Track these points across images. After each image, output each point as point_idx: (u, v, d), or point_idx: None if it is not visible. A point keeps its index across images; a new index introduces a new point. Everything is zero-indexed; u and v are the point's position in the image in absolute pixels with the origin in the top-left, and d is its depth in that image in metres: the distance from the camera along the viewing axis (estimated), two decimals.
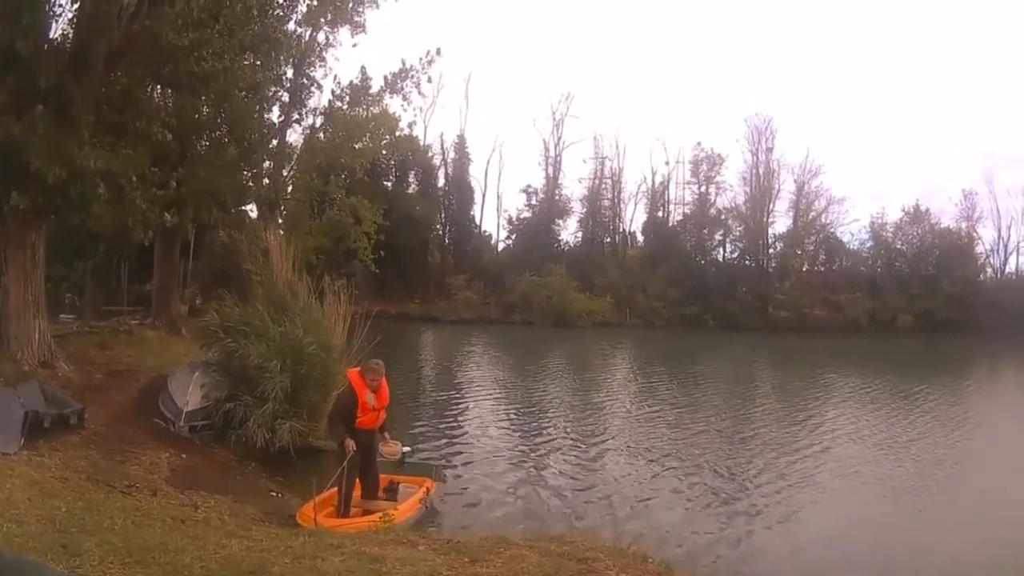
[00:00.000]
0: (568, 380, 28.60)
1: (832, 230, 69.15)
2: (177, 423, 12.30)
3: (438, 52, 34.67)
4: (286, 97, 28.75)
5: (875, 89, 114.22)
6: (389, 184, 63.30)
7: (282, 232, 22.97)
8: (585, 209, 72.70)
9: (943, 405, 22.98)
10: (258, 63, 20.13)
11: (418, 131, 61.03)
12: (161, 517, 7.52)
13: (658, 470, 14.17)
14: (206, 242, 30.67)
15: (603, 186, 73.53)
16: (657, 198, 74.09)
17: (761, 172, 69.65)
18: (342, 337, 14.43)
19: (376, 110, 34.22)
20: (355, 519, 9.16)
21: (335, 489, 9.59)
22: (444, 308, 59.93)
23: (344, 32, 31.34)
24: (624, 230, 75.12)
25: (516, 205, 75.43)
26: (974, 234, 68.06)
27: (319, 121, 33.27)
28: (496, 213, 75.42)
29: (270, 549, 6.41)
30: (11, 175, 12.23)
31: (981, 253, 68.39)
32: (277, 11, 22.35)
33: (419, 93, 35.53)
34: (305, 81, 30.25)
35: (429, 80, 36.38)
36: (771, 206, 69.02)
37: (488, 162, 74.16)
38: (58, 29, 14.12)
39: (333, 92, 33.12)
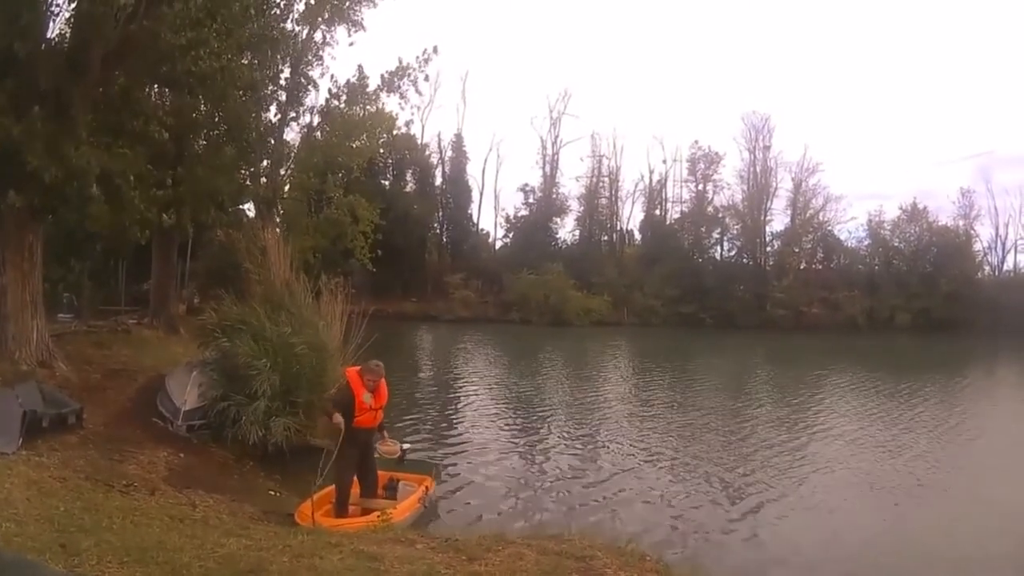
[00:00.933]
0: (565, 379, 28.61)
1: (830, 228, 69.38)
2: (175, 422, 12.28)
3: (435, 51, 34.72)
4: (283, 96, 28.71)
5: (873, 87, 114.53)
6: (386, 183, 63.38)
7: (279, 231, 22.99)
8: (582, 208, 72.87)
9: (939, 404, 23.02)
10: (256, 62, 20.09)
11: (415, 130, 61.13)
12: (159, 516, 7.53)
13: (656, 468, 14.19)
14: (204, 241, 30.70)
15: (601, 184, 73.72)
16: (655, 196, 74.26)
17: (759, 170, 69.79)
18: (339, 336, 14.44)
19: (373, 109, 34.24)
20: (353, 518, 9.18)
21: (333, 487, 9.61)
22: (441, 307, 59.99)
23: (341, 31, 31.38)
24: (622, 228, 75.46)
25: (513, 204, 75.72)
26: (972, 232, 68.36)
27: (316, 120, 33.31)
28: (493, 212, 75.69)
29: (268, 548, 6.42)
30: (9, 175, 12.22)
31: (979, 251, 68.74)
32: (275, 10, 22.35)
33: (416, 92, 35.61)
34: (302, 80, 30.22)
35: (426, 79, 36.44)
36: (769, 204, 69.21)
37: (485, 161, 74.42)
38: (55, 29, 14.11)
39: (330, 91, 33.21)
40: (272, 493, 10.79)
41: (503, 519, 10.41)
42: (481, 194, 73.05)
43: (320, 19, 30.39)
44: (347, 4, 30.68)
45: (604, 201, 73.96)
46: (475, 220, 73.46)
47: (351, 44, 31.93)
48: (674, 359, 36.45)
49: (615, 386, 26.68)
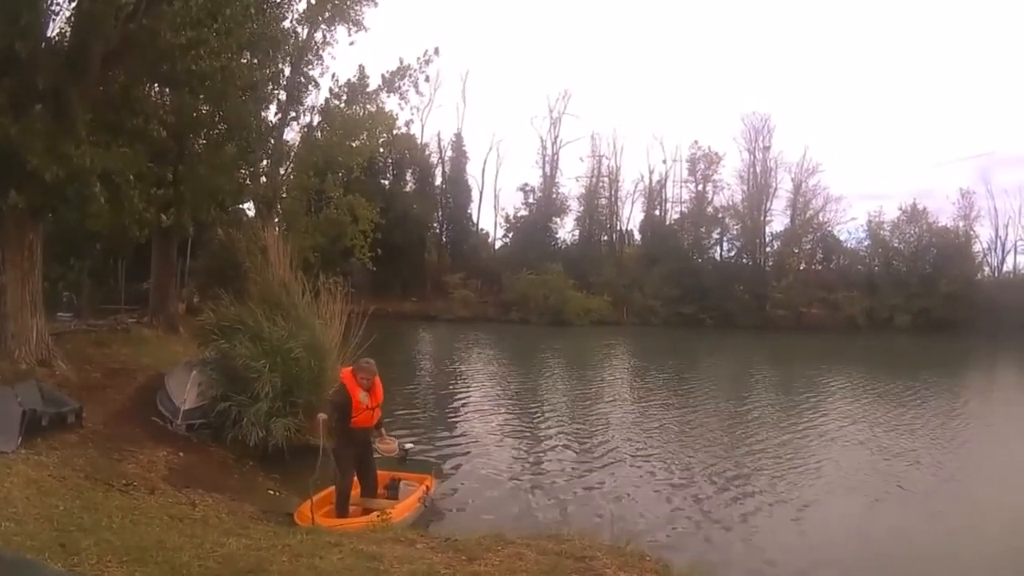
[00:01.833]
0: (565, 379, 28.64)
1: (829, 229, 69.56)
2: (174, 422, 12.28)
3: (436, 51, 34.74)
4: (283, 95, 28.71)
5: (873, 88, 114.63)
6: (386, 183, 63.37)
7: (279, 230, 22.98)
8: (582, 207, 72.91)
9: (939, 405, 23.02)
10: (256, 62, 20.07)
11: (415, 129, 61.22)
12: (159, 515, 7.53)
13: (656, 468, 14.20)
14: (204, 241, 30.63)
15: (600, 184, 73.76)
16: (654, 196, 74.31)
17: (758, 170, 69.86)
18: (338, 336, 14.43)
19: (373, 108, 34.21)
20: (353, 518, 9.17)
21: (333, 487, 9.61)
22: (441, 306, 60.01)
23: (342, 30, 31.36)
24: (621, 229, 75.55)
25: (513, 203, 75.73)
26: (971, 233, 68.47)
27: (316, 119, 33.26)
28: (493, 211, 75.67)
29: (268, 547, 6.42)
30: (9, 174, 12.22)
31: (978, 252, 68.84)
32: (275, 10, 22.33)
33: (416, 92, 35.64)
34: (303, 79, 30.21)
35: (427, 79, 36.49)
36: (768, 205, 69.31)
37: (485, 160, 74.52)
38: (55, 28, 14.10)
39: (331, 90, 33.18)
40: (272, 493, 10.79)
41: (503, 519, 10.39)
42: (481, 194, 73.25)
43: (321, 18, 30.38)
44: (348, 3, 30.66)
45: (604, 201, 74.04)
46: (475, 220, 73.66)
47: (351, 44, 31.96)
48: (673, 359, 36.44)
49: (615, 386, 26.69)
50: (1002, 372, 38.76)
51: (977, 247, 68.66)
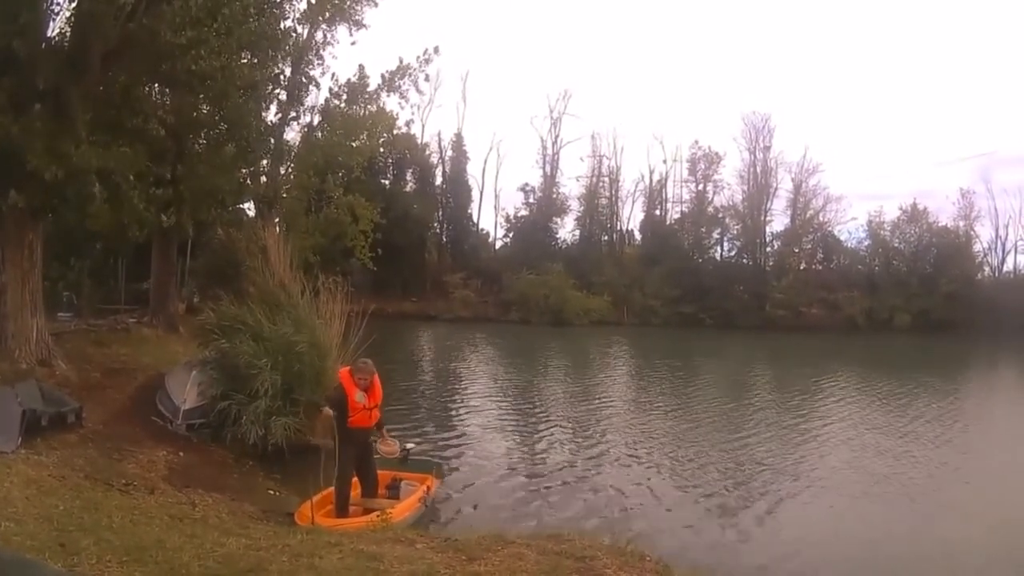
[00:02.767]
0: (565, 378, 28.64)
1: (830, 229, 69.43)
2: (175, 421, 12.29)
3: (436, 51, 34.82)
4: (284, 95, 28.70)
5: (873, 88, 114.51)
6: (386, 182, 63.31)
7: (279, 230, 22.98)
8: (583, 207, 72.77)
9: (938, 405, 23.03)
10: (256, 61, 20.07)
11: (415, 129, 61.14)
12: (159, 515, 7.52)
13: (656, 468, 14.21)
14: (204, 240, 30.64)
15: (601, 184, 73.62)
16: (655, 196, 74.22)
17: (759, 170, 69.78)
18: (338, 335, 14.43)
19: (374, 108, 34.25)
20: (353, 518, 9.17)
21: (333, 488, 9.60)
22: (441, 306, 59.94)
23: (342, 30, 31.39)
24: (622, 228, 75.40)
25: (514, 203, 75.61)
26: (972, 233, 68.29)
27: (317, 119, 33.30)
28: (494, 211, 75.54)
29: (268, 547, 6.41)
30: (9, 174, 12.21)
31: (979, 252, 68.66)
32: (275, 9, 22.32)
33: (417, 91, 35.71)
34: (303, 79, 30.21)
35: (427, 79, 36.61)
36: (769, 204, 69.23)
37: (486, 160, 74.33)
38: (55, 28, 14.10)
39: (331, 90, 33.22)
40: (272, 492, 10.79)
41: (503, 519, 10.39)
42: (481, 194, 73.11)
43: (321, 18, 30.41)
44: (348, 3, 30.70)
45: (604, 201, 73.90)
46: (475, 220, 73.51)
47: (353, 43, 31.99)
48: (674, 359, 36.46)
49: (615, 386, 26.71)
50: (1002, 372, 38.75)
51: (977, 247, 68.68)
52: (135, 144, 14.42)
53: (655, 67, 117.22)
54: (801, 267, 68.46)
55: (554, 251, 67.47)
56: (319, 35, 30.85)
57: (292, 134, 32.59)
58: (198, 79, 15.46)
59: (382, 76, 34.14)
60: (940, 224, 66.76)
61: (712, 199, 71.66)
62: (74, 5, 13.45)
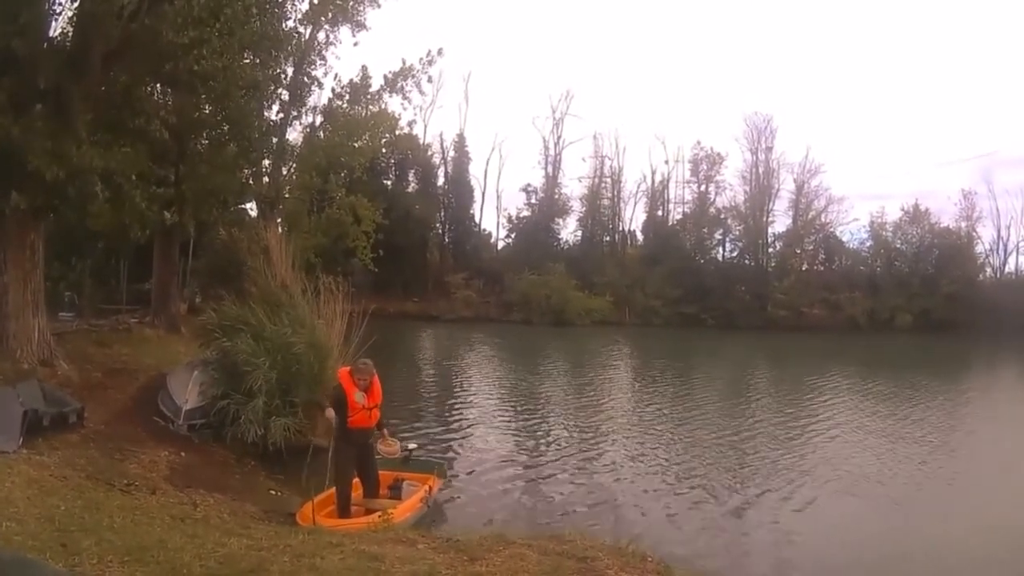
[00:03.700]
0: (567, 379, 28.62)
1: (831, 229, 69.31)
2: (176, 421, 12.30)
3: (439, 52, 34.84)
4: (286, 95, 28.73)
5: (875, 88, 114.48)
6: (388, 183, 63.30)
7: (281, 230, 23.00)
8: (584, 208, 72.78)
9: (940, 406, 23.02)
10: (258, 62, 20.09)
11: (418, 130, 61.08)
12: (160, 515, 7.52)
13: (657, 469, 14.20)
14: (206, 240, 30.68)
15: (603, 185, 73.58)
16: (656, 197, 74.18)
17: (761, 171, 69.74)
18: (339, 335, 14.43)
19: (376, 109, 34.27)
20: (355, 518, 9.17)
21: (334, 489, 9.60)
22: (443, 307, 59.91)
23: (345, 31, 31.42)
24: (623, 229, 75.34)
25: (515, 204, 75.45)
26: (973, 234, 68.21)
27: (319, 119, 33.34)
28: (495, 212, 75.44)
29: (269, 548, 6.41)
30: (10, 175, 12.22)
31: (980, 253, 68.62)
32: (277, 10, 22.34)
33: (419, 92, 35.67)
34: (305, 79, 30.24)
35: (429, 80, 36.54)
36: (770, 205, 69.17)
37: (488, 161, 74.24)
38: (57, 28, 14.12)
39: (333, 90, 33.24)
40: (273, 493, 10.79)
41: (504, 519, 10.40)
42: (483, 194, 73.04)
43: (323, 19, 30.45)
44: (350, 4, 30.73)
45: (606, 202, 73.85)
46: (477, 220, 73.46)
47: (355, 44, 32.04)
48: (675, 360, 36.46)
49: (616, 387, 26.70)
50: (1003, 373, 38.70)
51: (979, 248, 68.60)
52: (137, 144, 14.44)
53: (657, 68, 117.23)
54: (803, 268, 68.40)
55: (556, 251, 67.42)
56: (321, 35, 30.93)
57: (294, 134, 32.71)
58: (200, 79, 15.48)
59: (385, 77, 34.17)
60: (942, 225, 66.77)
61: (714, 200, 71.72)
62: (75, 5, 13.48)
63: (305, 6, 28.92)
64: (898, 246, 66.93)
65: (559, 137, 72.60)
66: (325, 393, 10.61)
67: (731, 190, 71.13)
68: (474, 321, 56.37)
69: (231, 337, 13.18)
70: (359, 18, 31.30)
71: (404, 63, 34.26)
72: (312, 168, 31.58)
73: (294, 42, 26.95)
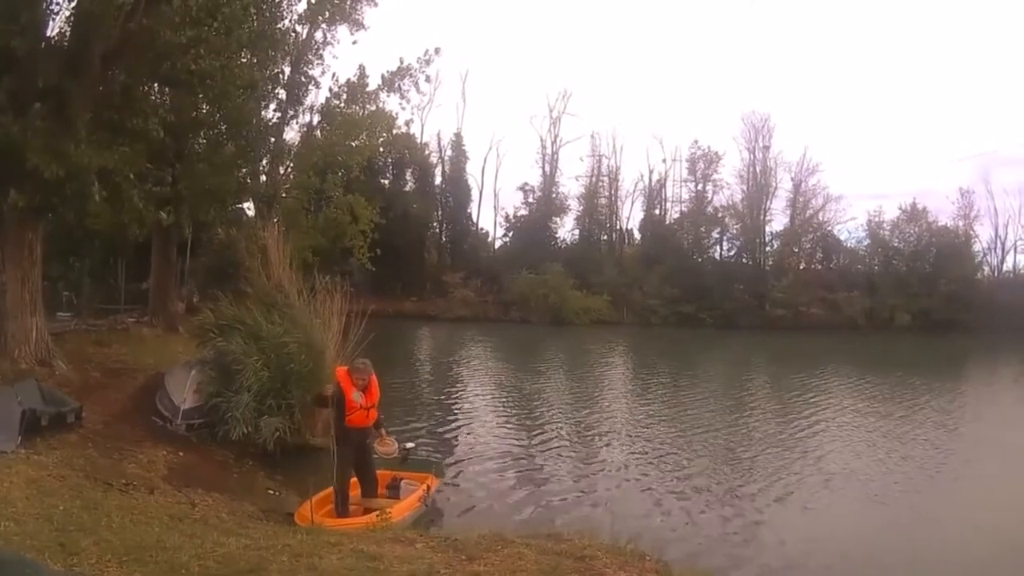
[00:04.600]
0: (565, 378, 28.63)
1: (829, 228, 69.22)
2: (174, 421, 12.31)
3: (437, 52, 34.87)
4: (283, 95, 28.74)
5: (873, 87, 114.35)
6: (386, 182, 63.28)
7: (279, 230, 22.98)
8: (582, 207, 72.70)
9: (938, 405, 23.02)
10: (255, 61, 20.08)
11: (415, 129, 61.10)
12: (159, 515, 7.53)
13: (655, 468, 14.20)
14: (204, 240, 30.69)
15: (600, 184, 73.52)
16: (654, 196, 74.10)
17: (758, 170, 69.63)
18: (337, 335, 14.42)
19: (373, 108, 34.27)
20: (353, 518, 9.17)
21: (332, 487, 9.60)
22: (441, 306, 59.91)
23: (343, 30, 31.41)
24: (621, 228, 75.24)
25: (513, 203, 75.44)
26: (971, 233, 68.11)
27: (316, 119, 33.32)
28: (493, 211, 75.28)
29: (268, 547, 6.42)
30: (9, 174, 12.22)
31: (978, 252, 68.49)
32: (275, 9, 22.35)
33: (417, 91, 35.72)
34: (303, 79, 30.24)
35: (427, 79, 36.58)
36: (768, 204, 69.03)
37: (485, 160, 74.14)
38: (55, 27, 14.11)
39: (331, 90, 33.25)
40: (271, 492, 10.80)
41: (503, 518, 10.38)
42: (480, 193, 72.93)
43: (321, 18, 30.43)
44: (348, 3, 30.71)
45: (604, 200, 73.81)
46: (474, 219, 73.32)
47: (354, 43, 32.03)
48: (673, 359, 36.47)
49: (614, 386, 26.73)
50: (1002, 372, 38.72)
51: (977, 247, 68.48)
52: (135, 143, 14.42)
53: (654, 67, 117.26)
54: (801, 267, 68.38)
55: (553, 251, 67.34)
56: (319, 35, 30.92)
57: (292, 134, 32.66)
58: (198, 79, 15.46)
59: (382, 76, 34.23)
60: (940, 224, 66.66)
61: (711, 199, 71.61)
62: (74, 4, 13.47)
63: (303, 5, 28.95)
64: (896, 245, 66.83)
65: (556, 136, 72.55)
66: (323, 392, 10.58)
67: (728, 189, 71.13)
68: (472, 320, 56.38)
69: (227, 337, 13.19)
70: (357, 17, 31.28)
71: (402, 62, 34.33)
72: (310, 167, 31.57)
73: (291, 41, 26.98)
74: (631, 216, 75.68)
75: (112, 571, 5.39)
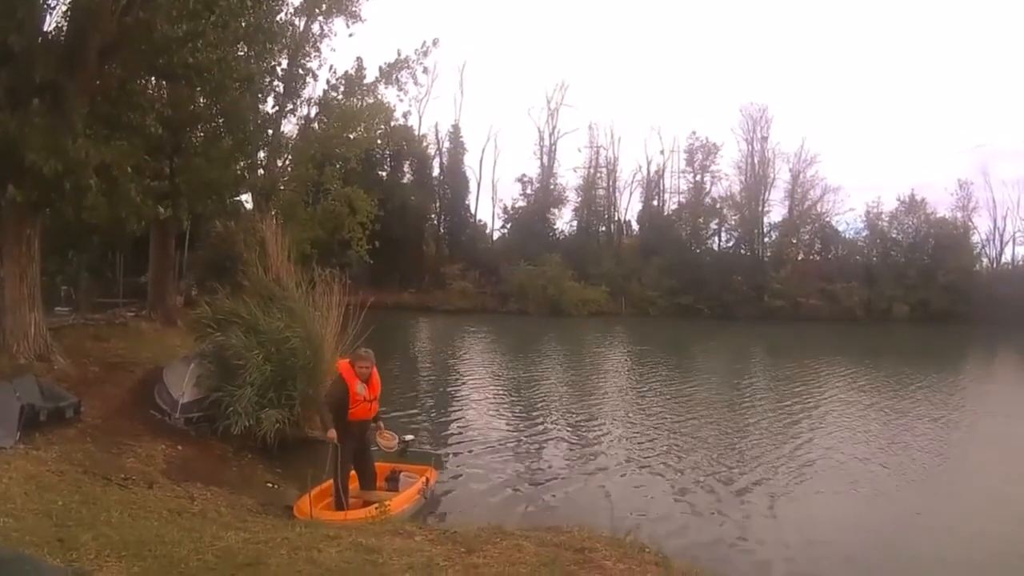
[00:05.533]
0: (564, 369, 28.65)
1: (827, 219, 69.42)
2: (173, 415, 12.29)
3: (434, 43, 34.91)
4: (281, 87, 28.69)
5: (871, 79, 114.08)
6: (384, 174, 63.30)
7: (277, 222, 22.97)
8: (580, 198, 72.82)
9: (936, 396, 23.05)
10: (252, 54, 20.03)
11: (413, 121, 61.18)
12: (158, 510, 7.55)
13: (655, 460, 14.20)
14: (202, 233, 30.65)
15: (598, 175, 73.58)
16: (652, 187, 74.10)
17: (756, 161, 69.71)
18: (336, 327, 14.42)
19: (371, 100, 34.26)
20: (352, 511, 9.18)
21: (331, 481, 9.61)
22: (439, 298, 59.98)
23: (339, 22, 31.37)
24: (619, 219, 75.33)
25: (511, 194, 75.70)
26: (970, 224, 68.21)
27: (314, 111, 33.33)
28: (491, 202, 75.49)
29: (267, 541, 6.43)
30: (7, 169, 12.19)
31: (977, 243, 68.62)
32: (272, 2, 22.28)
33: (415, 83, 35.72)
34: (300, 71, 30.21)
35: (425, 71, 36.58)
36: (766, 195, 69.18)
37: (483, 151, 74.22)
38: (52, 22, 14.07)
39: (328, 82, 33.24)
40: (270, 486, 10.80)
41: (502, 511, 10.40)
42: (479, 185, 72.91)
43: (318, 10, 30.39)
44: None
45: (602, 192, 73.87)
46: (473, 211, 73.32)
47: (351, 35, 32.02)
48: (671, 350, 36.49)
49: (613, 377, 26.76)
50: (1000, 363, 38.79)
51: (975, 238, 68.59)
52: (132, 138, 14.40)
53: (652, 58, 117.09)
54: (799, 258, 68.51)
55: (552, 242, 67.39)
56: (316, 27, 30.88)
57: (289, 126, 32.69)
58: (195, 72, 15.42)
59: (380, 69, 34.25)
60: (938, 215, 66.82)
61: (710, 190, 71.67)
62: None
63: None
64: (894, 236, 66.92)
65: (554, 127, 72.56)
66: (326, 392, 10.53)
67: (727, 180, 71.27)
68: (470, 312, 56.44)
69: (225, 331, 13.19)
70: (354, 9, 31.28)
71: (399, 54, 34.35)
72: (307, 160, 31.58)
73: (289, 34, 26.92)
74: (629, 207, 75.86)
75: (111, 566, 5.40)
